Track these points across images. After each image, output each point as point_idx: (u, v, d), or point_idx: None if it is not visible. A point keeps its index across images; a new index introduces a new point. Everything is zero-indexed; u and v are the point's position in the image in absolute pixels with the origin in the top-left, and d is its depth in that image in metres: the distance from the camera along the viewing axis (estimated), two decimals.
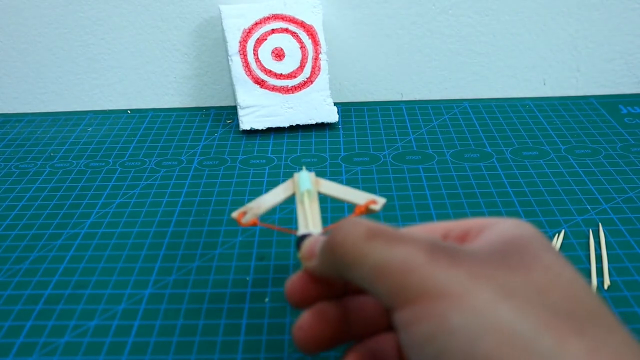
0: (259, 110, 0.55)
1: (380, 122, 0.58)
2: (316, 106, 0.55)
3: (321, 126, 0.57)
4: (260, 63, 0.54)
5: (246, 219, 0.32)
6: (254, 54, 0.54)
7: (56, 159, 0.54)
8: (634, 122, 0.56)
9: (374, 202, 0.31)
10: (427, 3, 0.57)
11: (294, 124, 0.56)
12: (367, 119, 0.58)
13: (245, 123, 0.55)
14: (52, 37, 0.59)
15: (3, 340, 0.34)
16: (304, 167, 0.35)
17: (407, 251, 0.20)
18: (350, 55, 0.60)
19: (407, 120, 0.58)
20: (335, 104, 0.61)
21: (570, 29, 0.58)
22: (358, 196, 0.32)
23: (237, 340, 0.33)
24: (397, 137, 0.55)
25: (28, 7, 0.58)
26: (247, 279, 0.38)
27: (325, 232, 0.29)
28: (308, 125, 0.56)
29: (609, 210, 0.43)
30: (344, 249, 0.22)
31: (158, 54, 0.60)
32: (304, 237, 0.28)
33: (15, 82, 0.62)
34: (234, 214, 0.32)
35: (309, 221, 0.30)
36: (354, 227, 0.22)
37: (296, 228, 0.31)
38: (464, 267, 0.19)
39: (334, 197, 0.33)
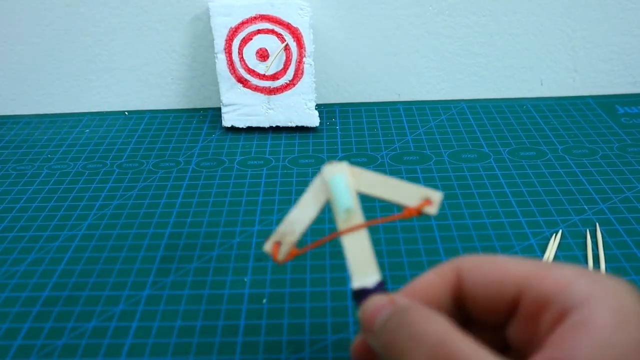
0: (240, 108, 0.56)
1: (378, 122, 0.58)
2: (297, 109, 0.55)
3: (319, 127, 0.57)
4: (245, 62, 0.55)
5: (283, 254, 0.26)
6: (239, 53, 0.54)
7: (53, 160, 0.54)
8: (630, 122, 0.56)
9: (428, 202, 0.25)
10: (424, 4, 0.57)
11: (274, 125, 0.56)
12: (364, 119, 0.59)
13: (227, 120, 0.56)
14: (49, 38, 0.59)
15: (1, 343, 0.34)
16: (332, 163, 0.26)
17: None
18: (347, 56, 0.60)
19: (405, 121, 0.58)
20: (332, 104, 0.62)
21: (567, 29, 0.58)
22: (407, 192, 0.26)
23: (235, 341, 0.33)
24: (395, 138, 0.55)
25: (26, 9, 0.58)
26: (245, 280, 0.38)
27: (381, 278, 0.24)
28: (305, 127, 0.56)
29: (606, 210, 0.43)
30: None
31: (155, 56, 0.60)
32: (361, 292, 0.24)
33: (13, 84, 0.62)
34: (267, 247, 0.26)
35: (360, 260, 0.25)
36: (416, 345, 0.19)
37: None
38: None
39: (377, 197, 0.26)
